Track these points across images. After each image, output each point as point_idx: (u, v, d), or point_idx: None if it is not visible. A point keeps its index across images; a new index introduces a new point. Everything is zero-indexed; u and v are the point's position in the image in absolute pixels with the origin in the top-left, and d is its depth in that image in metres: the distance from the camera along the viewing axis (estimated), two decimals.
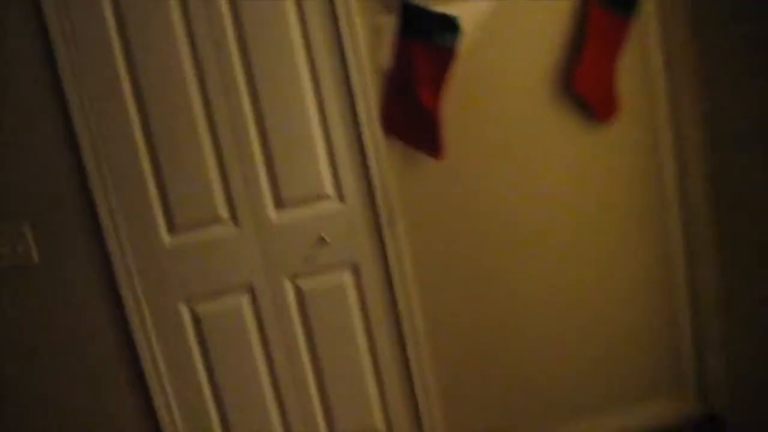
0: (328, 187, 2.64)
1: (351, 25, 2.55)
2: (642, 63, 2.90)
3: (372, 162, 2.63)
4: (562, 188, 2.87)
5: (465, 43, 2.63)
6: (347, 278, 2.71)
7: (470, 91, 2.71)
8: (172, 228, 2.58)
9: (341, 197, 2.66)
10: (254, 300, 2.67)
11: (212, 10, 2.49)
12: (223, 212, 2.59)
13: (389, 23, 2.60)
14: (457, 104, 2.67)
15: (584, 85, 2.76)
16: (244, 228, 2.60)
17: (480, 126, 2.75)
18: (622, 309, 3.00)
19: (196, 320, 2.64)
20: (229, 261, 2.62)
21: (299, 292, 2.68)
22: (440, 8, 2.56)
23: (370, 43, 2.60)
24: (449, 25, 2.50)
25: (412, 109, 2.60)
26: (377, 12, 2.59)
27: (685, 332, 3.08)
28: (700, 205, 2.92)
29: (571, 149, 2.86)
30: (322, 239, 2.66)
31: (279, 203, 2.62)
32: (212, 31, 2.50)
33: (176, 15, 2.47)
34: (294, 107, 2.56)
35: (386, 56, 2.61)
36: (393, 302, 2.75)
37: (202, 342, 2.66)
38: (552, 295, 2.93)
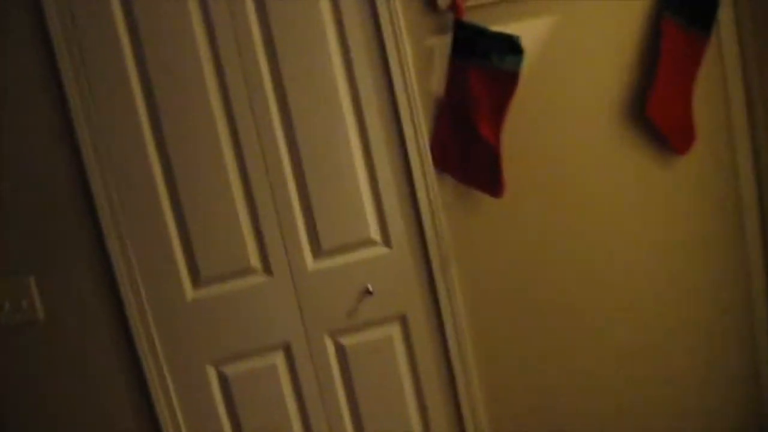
0: (373, 231, 2.32)
1: (399, 46, 2.23)
2: (718, 86, 2.58)
3: (423, 202, 2.32)
4: (631, 226, 2.55)
5: (525, 66, 2.30)
6: (394, 331, 2.40)
7: (530, 120, 2.40)
8: (196, 280, 2.26)
9: (388, 242, 2.34)
10: (290, 359, 2.35)
11: (243, 45, 2.17)
12: (255, 261, 2.27)
13: (442, 45, 2.28)
14: (515, 134, 2.35)
15: (658, 110, 2.45)
16: (279, 279, 2.29)
17: (541, 158, 2.43)
18: (696, 354, 2.68)
19: (224, 382, 2.32)
20: (262, 316, 2.30)
21: (341, 350, 2.37)
22: (498, 27, 2.24)
23: (420, 68, 2.28)
24: (510, 47, 2.19)
25: (468, 141, 2.29)
26: (428, 32, 2.28)
27: (765, 376, 2.76)
28: None
29: (641, 183, 2.54)
30: (367, 290, 2.33)
31: (318, 250, 2.31)
32: (242, 59, 2.19)
33: (202, 45, 2.15)
34: (334, 140, 2.25)
35: (438, 82, 2.30)
36: (446, 356, 2.44)
37: (231, 407, 2.34)
38: (622, 344, 2.61)
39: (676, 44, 2.45)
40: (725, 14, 2.55)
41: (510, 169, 2.36)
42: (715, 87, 2.59)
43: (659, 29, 2.45)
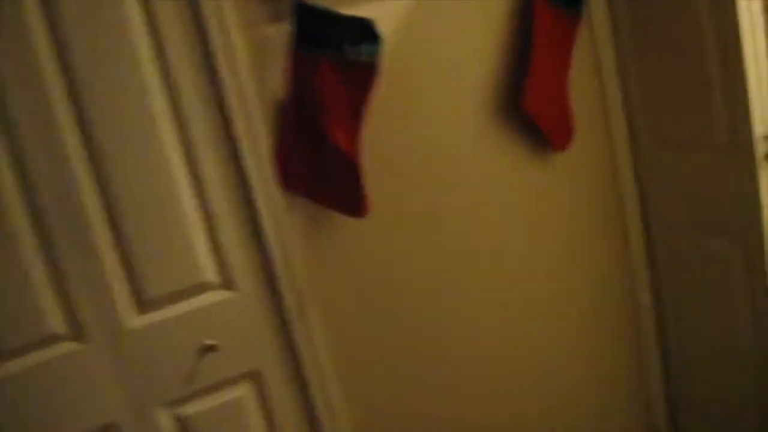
0: (210, 272, 1.86)
1: (227, 40, 1.76)
2: (591, 72, 2.29)
3: (268, 230, 1.87)
4: (508, 231, 2.21)
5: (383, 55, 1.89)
6: (246, 391, 1.95)
7: (389, 120, 2.00)
8: None
9: (229, 284, 1.88)
10: None
11: (27, 60, 1.62)
12: (60, 325, 1.74)
13: (281, 35, 1.83)
14: (373, 138, 1.93)
15: (535, 102, 2.11)
16: (94, 344, 1.78)
17: (404, 164, 2.05)
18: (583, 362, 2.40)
19: None
20: (76, 394, 1.77)
21: (182, 423, 1.88)
22: (348, 11, 1.81)
23: (255, 65, 1.81)
24: (365, 33, 1.78)
25: (319, 150, 1.86)
26: (263, 20, 1.82)
27: (654, 387, 2.53)
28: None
29: (516, 183, 2.21)
30: (208, 346, 1.86)
31: (141, 302, 1.81)
32: (25, 69, 1.64)
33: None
34: (150, 163, 1.75)
35: (280, 81, 1.84)
36: (310, 414, 1.99)
37: None
38: (502, 372, 2.28)
39: (550, 26, 2.12)
40: None
41: (371, 180, 1.94)
42: (588, 74, 2.29)
43: (530, 9, 2.10)
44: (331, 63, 1.80)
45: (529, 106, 2.11)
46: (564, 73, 2.21)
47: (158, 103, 1.75)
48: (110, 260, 1.77)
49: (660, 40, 2.18)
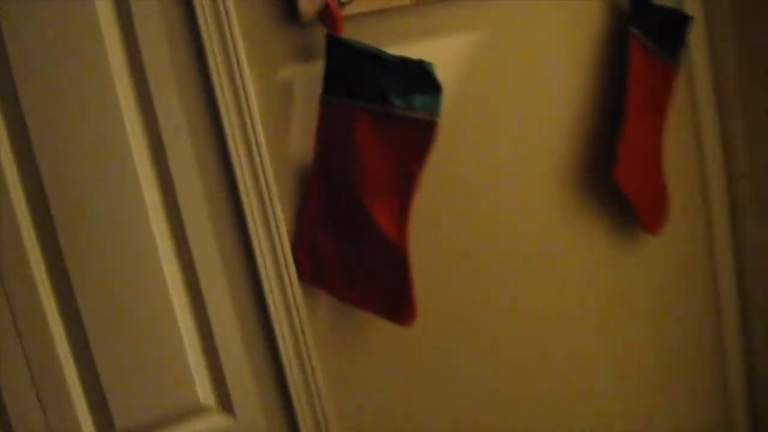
0: (204, 392, 1.37)
1: (237, 84, 1.30)
2: (690, 132, 1.83)
3: (281, 339, 1.38)
4: (585, 337, 1.72)
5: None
6: None
7: (442, 191, 1.52)
8: None
9: (229, 407, 1.39)
10: None
11: None
12: None
13: (308, 78, 1.37)
14: (421, 216, 1.46)
15: (628, 172, 1.63)
16: None
17: (460, 250, 1.56)
18: None
19: None
20: None
21: None
22: (398, 49, 1.35)
23: (271, 117, 1.35)
24: (421, 79, 1.31)
25: (353, 235, 1.39)
26: (284, 57, 1.36)
27: None
28: None
29: (598, 272, 1.73)
30: None
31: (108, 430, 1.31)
32: None
33: None
34: (131, 246, 1.28)
35: (303, 140, 1.37)
36: None
37: None
38: None
39: (646, 75, 1.66)
40: (696, 36, 1.79)
41: (419, 274, 1.45)
42: (684, 137, 1.83)
43: (624, 53, 1.64)
44: (375, 118, 1.34)
45: (622, 176, 1.64)
46: (659, 136, 1.75)
47: (143, 168, 1.29)
48: (70, 376, 1.29)
49: None
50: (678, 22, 1.73)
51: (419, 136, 1.35)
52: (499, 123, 1.58)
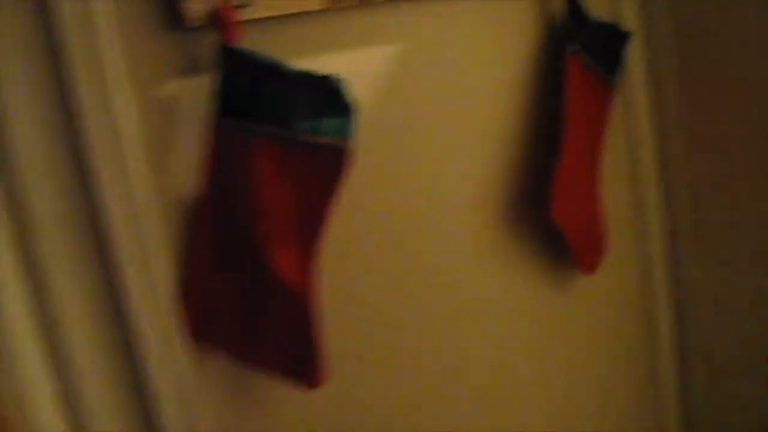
0: None
1: (104, 102, 1.05)
2: (626, 162, 1.68)
3: (165, 412, 1.13)
4: (517, 381, 1.54)
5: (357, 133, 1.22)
6: None
7: (355, 230, 1.31)
8: None
9: None
10: None
11: None
12: None
13: (194, 95, 1.13)
14: (330, 262, 1.24)
15: (565, 206, 1.46)
16: None
17: (374, 299, 1.35)
18: None
19: None
20: None
21: None
22: (306, 62, 1.14)
23: (150, 141, 1.11)
24: (329, 99, 1.09)
25: (250, 282, 1.15)
26: (166, 70, 1.12)
27: None
28: None
29: (526, 312, 1.55)
30: None
31: None
32: None
33: None
34: None
35: (189, 169, 1.14)
36: None
37: None
38: None
39: (584, 94, 1.48)
40: (634, 53, 1.64)
41: (329, 329, 1.23)
42: (620, 168, 1.68)
43: (559, 67, 1.47)
44: (274, 144, 1.12)
45: (557, 213, 1.45)
46: (596, 164, 1.58)
47: None
48: None
49: (725, 126, 1.57)
50: (616, 37, 1.57)
51: (328, 166, 1.13)
52: (421, 148, 1.38)
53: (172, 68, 1.11)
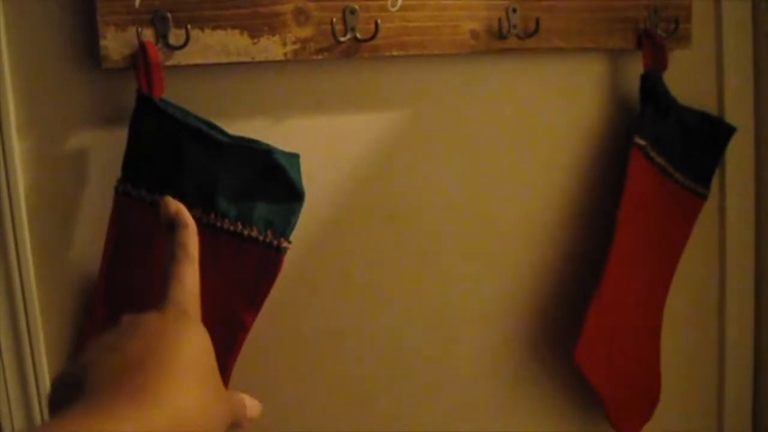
0: None
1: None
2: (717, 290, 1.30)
3: None
4: None
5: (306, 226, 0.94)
6: None
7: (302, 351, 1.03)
8: None
9: None
10: None
11: None
12: None
13: (105, 153, 0.89)
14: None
15: (597, 349, 1.11)
16: None
17: None
18: None
19: None
20: None
21: None
22: (254, 126, 0.87)
23: (44, 206, 0.87)
24: (269, 177, 0.83)
25: None
26: (72, 118, 0.87)
27: None
28: None
29: None
30: None
31: None
32: None
33: None
34: None
35: (93, 244, 0.89)
36: None
37: None
38: None
39: (651, 198, 1.13)
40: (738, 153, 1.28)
41: None
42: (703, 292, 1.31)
43: (624, 165, 1.13)
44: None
45: (585, 357, 1.11)
46: (658, 297, 1.22)
47: None
48: None
49: None
50: (712, 133, 1.22)
51: (257, 263, 0.86)
52: (414, 255, 1.08)
53: (83, 116, 0.88)
